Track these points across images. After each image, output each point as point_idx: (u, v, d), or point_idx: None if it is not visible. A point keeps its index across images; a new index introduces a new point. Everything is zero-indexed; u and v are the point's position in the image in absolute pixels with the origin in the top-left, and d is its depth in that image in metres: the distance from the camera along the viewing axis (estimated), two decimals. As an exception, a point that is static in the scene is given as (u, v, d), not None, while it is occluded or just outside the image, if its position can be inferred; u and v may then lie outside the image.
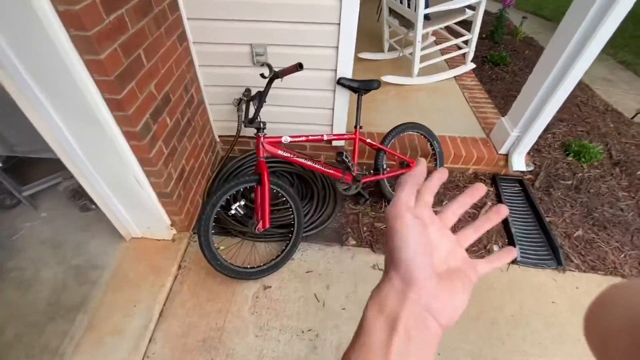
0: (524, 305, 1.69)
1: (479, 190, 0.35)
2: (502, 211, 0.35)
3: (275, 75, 1.37)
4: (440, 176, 0.35)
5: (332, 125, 2.02)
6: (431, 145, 2.04)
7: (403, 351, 0.26)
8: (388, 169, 1.92)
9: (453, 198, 0.36)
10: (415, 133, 2.01)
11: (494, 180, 2.24)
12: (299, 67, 1.25)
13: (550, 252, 1.91)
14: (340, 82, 1.74)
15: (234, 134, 2.01)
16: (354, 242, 1.87)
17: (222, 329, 1.46)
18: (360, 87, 1.72)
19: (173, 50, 1.52)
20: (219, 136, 2.20)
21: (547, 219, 2.06)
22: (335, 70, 1.74)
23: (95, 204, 1.77)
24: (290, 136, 1.62)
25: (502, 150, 2.17)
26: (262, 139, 1.54)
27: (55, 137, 1.25)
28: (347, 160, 1.62)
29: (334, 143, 2.14)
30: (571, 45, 1.64)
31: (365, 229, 1.94)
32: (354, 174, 1.76)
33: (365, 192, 2.00)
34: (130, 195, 1.51)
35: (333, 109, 1.93)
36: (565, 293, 1.77)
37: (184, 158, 1.71)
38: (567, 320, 1.65)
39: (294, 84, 1.81)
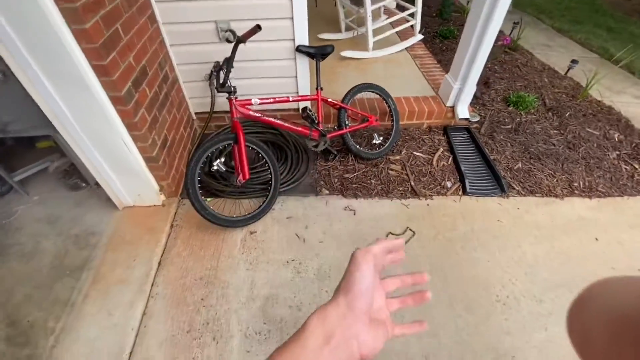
0: (474, 226, 1.99)
1: (421, 277, 0.45)
2: (425, 296, 0.44)
3: (239, 40, 1.59)
4: (416, 278, 0.45)
5: (297, 92, 2.25)
6: (387, 103, 2.31)
7: None
8: (350, 125, 2.17)
9: (395, 275, 0.45)
10: (371, 93, 2.27)
11: (445, 130, 2.55)
12: (258, 28, 1.48)
13: (495, 183, 2.23)
14: (299, 49, 1.97)
15: (209, 110, 2.21)
16: (327, 192, 2.11)
17: (216, 268, 1.66)
18: (316, 52, 1.96)
19: (145, 29, 1.70)
20: (195, 113, 2.39)
21: (492, 157, 2.38)
22: (293, 39, 1.98)
23: (85, 181, 1.93)
24: (260, 98, 1.84)
25: (449, 103, 2.48)
26: (234, 101, 1.75)
27: (50, 106, 1.41)
28: (311, 114, 1.86)
29: (300, 105, 2.38)
30: (485, 6, 1.95)
31: (336, 180, 2.18)
32: (320, 130, 2.00)
33: (334, 149, 2.24)
34: (119, 160, 1.68)
35: (296, 77, 2.16)
36: (509, 213, 2.09)
37: (165, 128, 1.89)
38: (510, 233, 1.96)
39: (259, 55, 2.03)
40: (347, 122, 2.15)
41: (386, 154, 2.31)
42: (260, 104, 1.83)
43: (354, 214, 1.99)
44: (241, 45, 1.66)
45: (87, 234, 1.81)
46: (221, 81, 1.70)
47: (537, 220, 2.06)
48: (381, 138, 2.33)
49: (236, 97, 1.77)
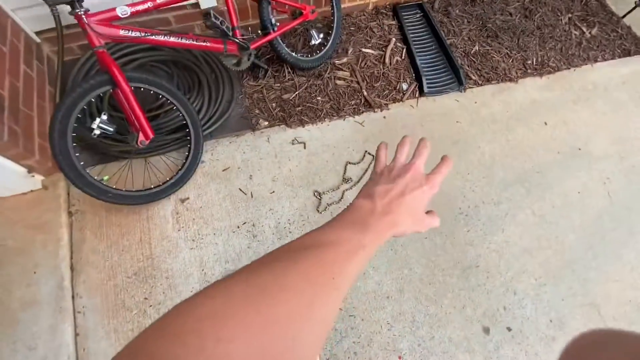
0: (434, 134, 1.81)
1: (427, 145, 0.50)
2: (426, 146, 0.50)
3: None
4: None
5: (189, -21, 1.49)
6: (321, -19, 1.67)
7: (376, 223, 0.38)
8: (279, 24, 1.57)
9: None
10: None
11: (395, 11, 2.04)
12: None
13: (453, 75, 1.96)
14: None
15: (55, 25, 1.41)
16: (266, 124, 1.69)
17: (151, 257, 1.35)
18: None
19: None
20: (37, 34, 1.54)
21: (448, 41, 2.03)
22: None
23: None
24: (129, 5, 1.14)
25: (399, -29, 1.89)
26: (84, 18, 1.06)
27: None
28: (218, 22, 1.25)
29: (202, 5, 1.64)
30: None
31: (274, 105, 1.73)
32: (238, 41, 1.41)
33: (262, 61, 1.69)
34: None
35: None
36: (466, 110, 1.91)
37: (-14, 79, 1.17)
38: (468, 134, 1.84)
39: None
40: (273, 21, 1.54)
41: (330, 57, 1.82)
42: (132, 14, 1.15)
43: (304, 147, 1.66)
44: None
45: (-56, 254, 1.29)
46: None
47: (493, 112, 1.93)
48: (321, 35, 1.78)
49: (87, 11, 1.07)
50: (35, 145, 1.32)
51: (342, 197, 1.55)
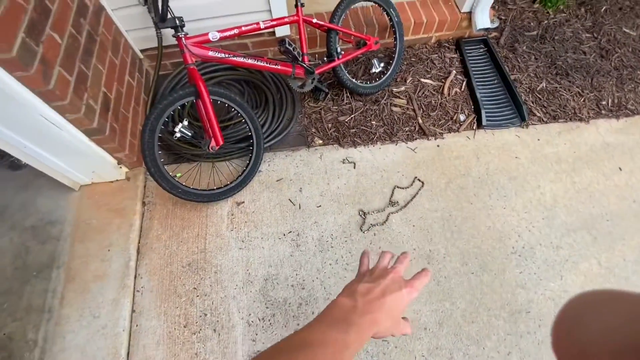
0: (489, 166, 1.75)
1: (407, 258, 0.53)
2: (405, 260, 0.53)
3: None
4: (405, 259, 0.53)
5: (270, 10, 1.69)
6: (388, 15, 1.78)
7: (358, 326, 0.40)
8: (343, 52, 1.70)
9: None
10: (368, 3, 1.72)
11: (458, 45, 2.07)
12: None
13: (515, 110, 1.91)
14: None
15: (157, 44, 1.68)
16: (321, 142, 1.79)
17: (204, 251, 1.47)
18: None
19: None
20: (142, 51, 1.85)
21: (512, 77, 1.99)
22: None
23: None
24: (219, 31, 1.34)
25: (465, 8, 1.94)
26: (183, 40, 1.27)
27: None
28: (291, 49, 1.39)
29: (278, 33, 1.84)
30: None
31: (329, 125, 1.83)
32: (305, 66, 1.55)
33: (324, 85, 1.82)
34: (53, 141, 1.29)
35: (265, -11, 1.58)
36: (528, 147, 1.84)
37: (102, 84, 1.43)
38: (528, 171, 1.75)
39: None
40: (338, 49, 1.67)
41: (388, 84, 1.89)
42: (220, 38, 1.34)
43: (354, 167, 1.71)
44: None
45: (45, 223, 1.54)
46: (160, 12, 1.19)
47: (559, 152, 1.83)
48: (382, 65, 1.88)
49: (186, 34, 1.28)
50: (126, 141, 1.56)
51: (386, 220, 1.56)
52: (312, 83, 1.68)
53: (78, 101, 1.25)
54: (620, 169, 1.79)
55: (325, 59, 1.69)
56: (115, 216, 1.54)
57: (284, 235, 1.51)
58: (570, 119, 1.93)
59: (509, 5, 2.29)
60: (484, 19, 1.93)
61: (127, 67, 1.68)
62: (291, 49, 1.39)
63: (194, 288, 1.40)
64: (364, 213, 1.58)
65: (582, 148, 1.85)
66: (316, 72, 1.61)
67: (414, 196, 1.64)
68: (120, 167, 1.59)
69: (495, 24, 2.17)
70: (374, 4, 1.73)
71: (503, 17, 2.23)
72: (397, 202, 1.62)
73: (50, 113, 1.19)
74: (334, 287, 1.41)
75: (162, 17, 1.20)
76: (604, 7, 2.31)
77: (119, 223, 1.53)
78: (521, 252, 1.53)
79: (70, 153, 1.38)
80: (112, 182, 1.62)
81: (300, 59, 1.53)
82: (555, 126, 1.92)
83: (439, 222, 1.58)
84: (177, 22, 1.23)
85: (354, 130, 1.81)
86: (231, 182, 1.55)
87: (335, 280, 1.42)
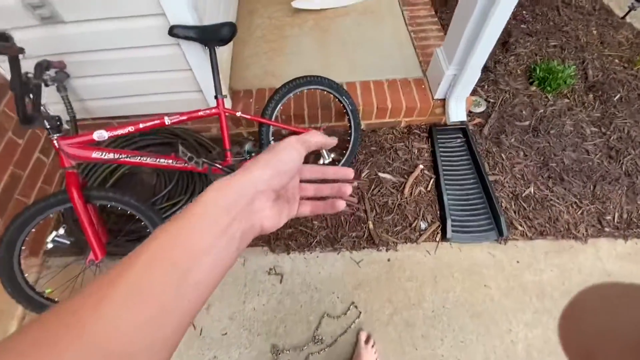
0: (448, 296, 1.41)
1: (347, 173, 0.39)
2: (336, 205, 0.38)
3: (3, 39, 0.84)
4: (339, 172, 0.39)
5: (201, 90, 1.49)
6: (340, 102, 1.54)
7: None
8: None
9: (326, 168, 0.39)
10: (315, 89, 1.49)
11: (431, 133, 1.78)
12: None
13: (492, 220, 1.57)
14: (174, 33, 1.16)
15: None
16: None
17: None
18: (203, 38, 1.16)
19: None
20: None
21: (492, 177, 1.67)
22: (164, 14, 1.16)
23: None
24: (109, 129, 1.13)
25: (438, 95, 1.66)
26: (56, 142, 1.06)
27: None
28: (186, 159, 1.16)
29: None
30: None
31: (263, 221, 1.56)
32: (223, 168, 1.31)
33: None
34: None
35: (191, 69, 1.38)
36: (502, 271, 1.48)
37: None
38: (498, 306, 1.40)
39: (116, 43, 1.24)
40: (272, 143, 1.43)
41: (339, 177, 1.62)
42: (110, 137, 1.13)
43: (280, 281, 1.43)
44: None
45: None
46: (23, 113, 0.99)
47: (542, 281, 1.46)
48: (332, 155, 1.61)
49: (63, 135, 1.07)
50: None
51: (302, 365, 1.24)
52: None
53: None
54: (622, 313, 1.39)
55: (259, 149, 1.45)
56: (-12, 320, 1.32)
57: (171, 371, 1.22)
58: (562, 237, 1.57)
59: (500, 85, 1.99)
60: (458, 111, 1.64)
61: (40, 144, 1.51)
62: (186, 158, 1.16)
63: None
64: (277, 351, 1.27)
65: (574, 278, 1.48)
66: (241, 169, 1.37)
67: (346, 330, 1.32)
68: None
69: (481, 108, 1.88)
70: (322, 90, 1.49)
71: (492, 100, 1.93)
72: (322, 338, 1.30)
73: None
74: None
75: (28, 119, 1.00)
76: (618, 95, 1.96)
77: (-10, 329, 1.30)
78: None
79: None
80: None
81: (221, 159, 1.29)
82: (541, 245, 1.56)
83: (370, 372, 1.24)
84: (48, 124, 1.03)
85: (290, 230, 1.53)
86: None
87: None
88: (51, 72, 1.23)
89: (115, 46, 1.25)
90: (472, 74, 1.45)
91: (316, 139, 0.35)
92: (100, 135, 1.12)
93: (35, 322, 0.19)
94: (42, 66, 1.13)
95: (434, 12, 2.11)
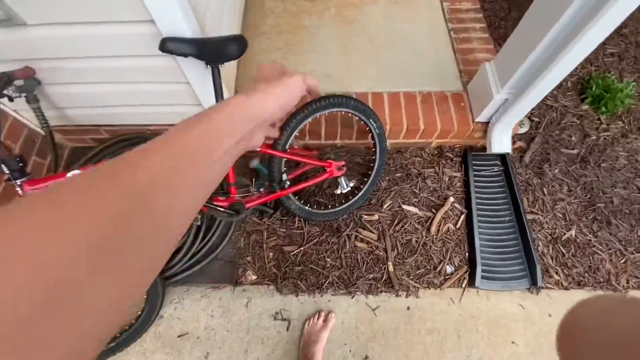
0: (471, 353, 1.28)
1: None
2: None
3: None
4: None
5: (200, 104, 1.24)
6: (367, 125, 1.29)
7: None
8: (290, 184, 1.23)
9: None
10: (338, 112, 1.24)
11: (465, 158, 1.55)
12: None
13: (525, 266, 1.40)
14: (167, 49, 0.90)
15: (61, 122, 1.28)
16: (254, 277, 1.36)
17: None
18: (204, 56, 0.90)
19: None
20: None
21: (530, 216, 1.47)
22: (152, 21, 0.89)
23: None
24: (82, 168, 0.91)
25: (480, 118, 1.41)
26: (19, 190, 0.85)
27: None
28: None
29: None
30: None
31: (270, 255, 1.39)
32: (229, 204, 1.11)
33: (267, 205, 1.37)
34: None
35: (189, 83, 1.13)
36: (533, 325, 1.34)
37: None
38: (526, 369, 1.27)
39: (93, 50, 0.99)
40: (284, 178, 1.21)
41: (358, 207, 1.42)
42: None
43: (287, 329, 1.28)
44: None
45: None
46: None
47: (575, 339, 1.32)
48: (351, 184, 1.40)
49: (28, 179, 0.86)
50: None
51: None
52: (246, 216, 1.23)
53: None
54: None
55: (263, 188, 1.23)
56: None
57: None
58: (600, 287, 1.41)
59: (547, 99, 1.72)
60: (503, 141, 1.40)
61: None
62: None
63: None
64: (281, 412, 1.15)
65: (609, 336, 1.34)
66: (246, 206, 1.16)
67: (357, 390, 1.20)
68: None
69: (524, 129, 1.63)
70: (347, 113, 1.24)
71: (536, 119, 1.67)
72: (331, 398, 1.18)
73: None
74: None
75: (-21, 161, 0.79)
76: (682, 119, 1.70)
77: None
78: None
79: None
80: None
81: (224, 191, 1.08)
82: (577, 296, 1.40)
83: None
84: (6, 168, 0.81)
85: (300, 268, 1.36)
86: (111, 341, 1.16)
87: None
88: (18, 82, 0.99)
89: (92, 54, 0.99)
90: (530, 102, 1.20)
91: (314, 82, 0.39)
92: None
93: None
94: (2, 81, 0.89)
95: (478, 5, 1.78)
